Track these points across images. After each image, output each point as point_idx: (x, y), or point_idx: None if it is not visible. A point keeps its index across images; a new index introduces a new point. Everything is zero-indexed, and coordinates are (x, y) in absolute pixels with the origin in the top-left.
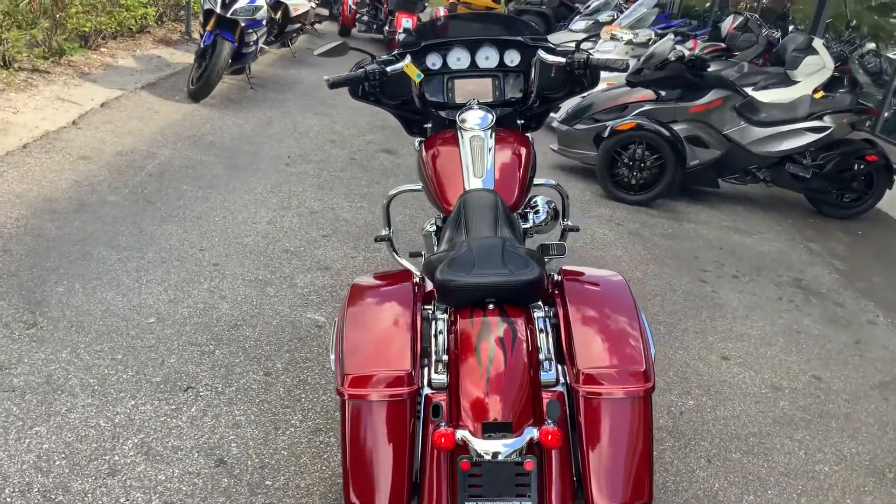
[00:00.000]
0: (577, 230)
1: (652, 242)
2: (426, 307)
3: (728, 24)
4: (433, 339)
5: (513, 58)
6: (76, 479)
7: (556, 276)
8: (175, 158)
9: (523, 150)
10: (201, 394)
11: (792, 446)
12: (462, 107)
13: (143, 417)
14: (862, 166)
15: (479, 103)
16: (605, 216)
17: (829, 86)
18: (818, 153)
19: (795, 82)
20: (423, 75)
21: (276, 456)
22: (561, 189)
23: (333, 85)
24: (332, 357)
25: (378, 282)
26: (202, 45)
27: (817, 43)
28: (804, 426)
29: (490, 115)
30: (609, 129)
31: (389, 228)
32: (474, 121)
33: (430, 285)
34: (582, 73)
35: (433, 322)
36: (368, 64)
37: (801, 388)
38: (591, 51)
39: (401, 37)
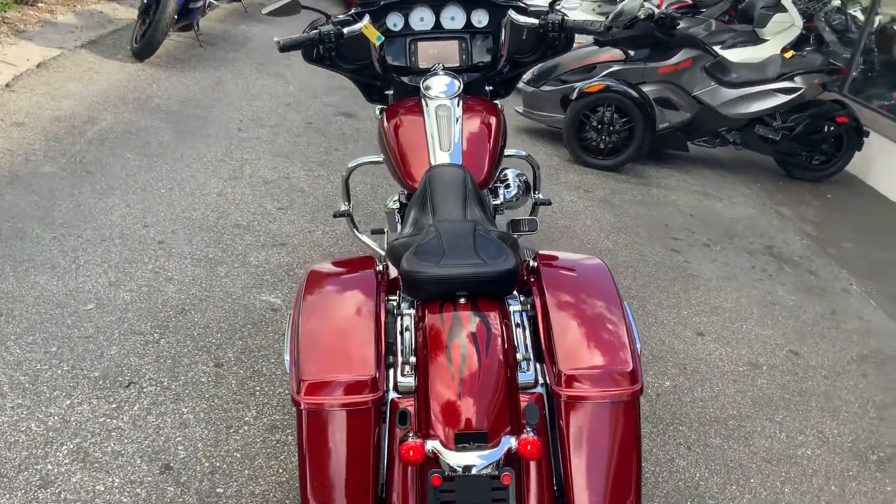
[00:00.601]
0: (549, 203)
1: (622, 210)
2: (391, 298)
3: None
4: (399, 337)
5: (480, 18)
6: (3, 495)
7: (531, 262)
8: (117, 124)
9: (493, 121)
10: (145, 389)
11: (773, 429)
12: (426, 72)
13: (79, 419)
14: (832, 128)
15: (444, 68)
16: (574, 182)
17: (797, 44)
18: (788, 115)
19: (764, 41)
20: (383, 37)
21: (229, 459)
22: (532, 160)
23: (284, 48)
24: (287, 358)
25: (337, 269)
26: (146, 0)
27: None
28: (784, 406)
29: (457, 82)
30: (577, 90)
31: (349, 203)
32: (440, 88)
33: (394, 272)
34: (556, 36)
35: (399, 317)
36: (323, 24)
37: (779, 364)
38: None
39: None
